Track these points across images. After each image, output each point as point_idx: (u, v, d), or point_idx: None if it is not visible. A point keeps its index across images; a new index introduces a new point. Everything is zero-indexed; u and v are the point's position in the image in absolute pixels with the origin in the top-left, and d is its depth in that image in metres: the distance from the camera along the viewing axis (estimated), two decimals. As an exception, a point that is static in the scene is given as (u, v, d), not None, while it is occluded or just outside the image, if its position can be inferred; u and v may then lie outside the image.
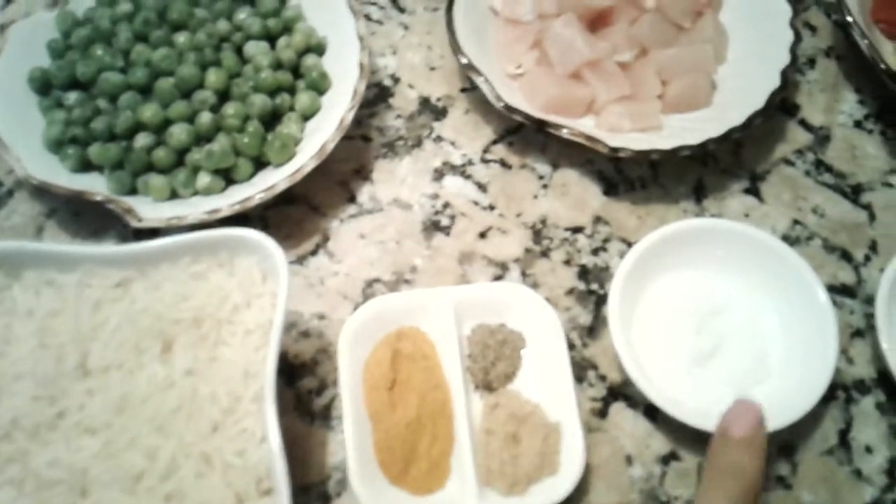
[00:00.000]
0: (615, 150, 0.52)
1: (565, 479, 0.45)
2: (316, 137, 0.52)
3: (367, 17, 0.62)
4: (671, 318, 0.50)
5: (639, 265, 0.50)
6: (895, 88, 0.55)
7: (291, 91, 0.54)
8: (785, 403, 0.47)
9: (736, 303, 0.51)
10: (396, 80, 0.60)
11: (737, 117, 0.53)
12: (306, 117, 0.54)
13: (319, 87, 0.54)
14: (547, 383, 0.48)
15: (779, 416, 0.46)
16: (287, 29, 0.56)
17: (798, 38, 0.56)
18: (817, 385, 0.47)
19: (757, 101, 0.53)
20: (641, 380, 0.47)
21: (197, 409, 0.40)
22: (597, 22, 0.58)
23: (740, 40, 0.59)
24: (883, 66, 0.54)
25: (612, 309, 0.49)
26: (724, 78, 0.58)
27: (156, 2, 0.54)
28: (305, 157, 0.50)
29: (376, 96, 0.59)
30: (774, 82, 0.54)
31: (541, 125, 0.53)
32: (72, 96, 0.52)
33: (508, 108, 0.53)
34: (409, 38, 0.62)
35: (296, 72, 0.55)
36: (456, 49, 0.55)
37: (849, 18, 0.56)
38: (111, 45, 0.53)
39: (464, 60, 0.54)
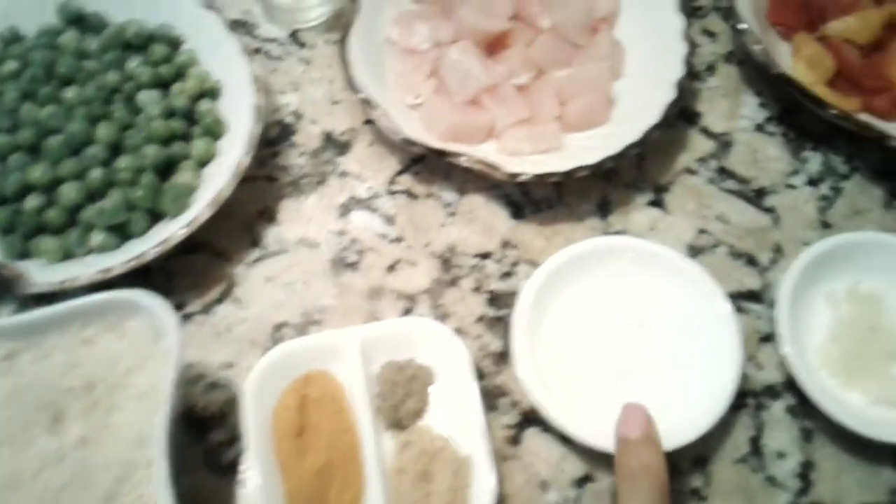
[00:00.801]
0: (514, 175, 0.52)
1: (476, 513, 0.45)
2: (212, 184, 0.51)
3: (267, 55, 0.62)
4: (581, 339, 0.51)
5: (542, 290, 0.50)
6: (791, 91, 0.56)
7: (186, 138, 0.54)
8: (693, 415, 0.47)
9: (643, 318, 0.51)
10: (299, 116, 0.60)
11: (634, 133, 0.53)
12: (203, 164, 0.53)
13: (215, 132, 0.54)
14: (457, 416, 0.48)
15: (688, 429, 0.47)
16: (180, 75, 0.56)
17: (692, 49, 0.56)
18: (723, 395, 0.48)
19: (653, 115, 0.54)
20: (547, 406, 0.47)
21: (90, 479, 0.40)
22: (494, 46, 0.58)
23: (636, 55, 0.59)
24: (776, 70, 0.55)
25: (515, 336, 0.49)
26: (622, 93, 0.58)
27: (43, 57, 0.53)
28: (201, 206, 0.50)
29: (279, 135, 0.59)
30: (670, 95, 0.54)
31: (440, 154, 0.53)
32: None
33: (406, 140, 0.53)
34: (311, 72, 0.61)
35: (190, 118, 0.54)
36: (351, 83, 0.54)
37: (740, 26, 0.57)
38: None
39: (360, 94, 0.54)
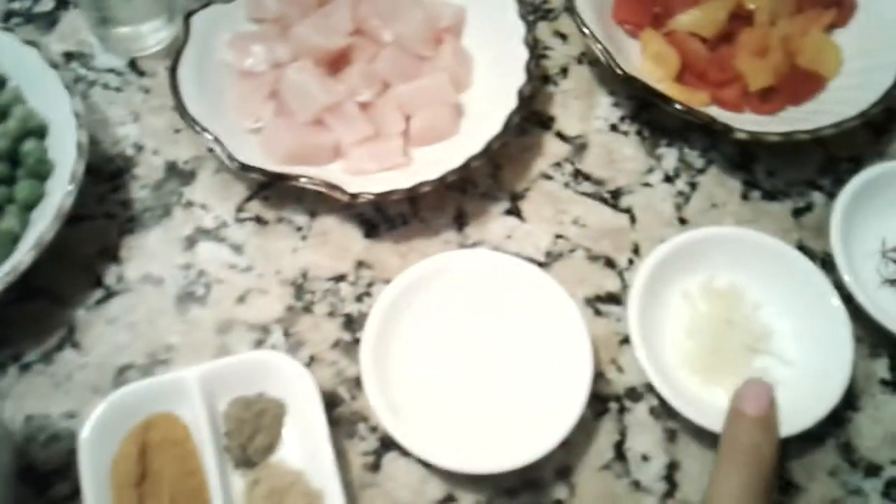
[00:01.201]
0: (354, 196, 0.51)
1: (330, 548, 0.44)
2: (38, 227, 0.48)
3: (105, 86, 0.60)
4: (433, 358, 0.49)
5: (389, 312, 0.49)
6: (638, 89, 0.56)
7: (10, 181, 0.51)
8: (551, 424, 0.46)
9: (495, 331, 0.50)
10: (140, 147, 0.57)
11: (478, 144, 0.52)
12: (29, 207, 0.50)
13: (40, 173, 0.51)
14: (309, 449, 0.46)
15: (546, 438, 0.46)
16: (3, 114, 0.53)
17: (533, 55, 0.55)
18: (577, 402, 0.47)
19: (496, 125, 0.53)
20: (396, 431, 0.45)
21: None
22: (337, 63, 0.57)
23: (483, 63, 0.58)
24: (620, 71, 0.55)
25: (363, 360, 0.47)
26: (469, 103, 0.57)
27: None
28: (23, 252, 0.47)
29: (119, 168, 0.56)
30: (512, 103, 0.54)
31: (278, 178, 0.51)
32: None
33: (243, 166, 0.51)
34: (151, 101, 0.59)
35: (14, 160, 0.52)
36: (181, 111, 0.52)
37: (584, 30, 0.56)
38: None
39: (190, 122, 0.52)
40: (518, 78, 0.55)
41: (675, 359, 0.50)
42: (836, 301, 0.49)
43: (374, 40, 0.57)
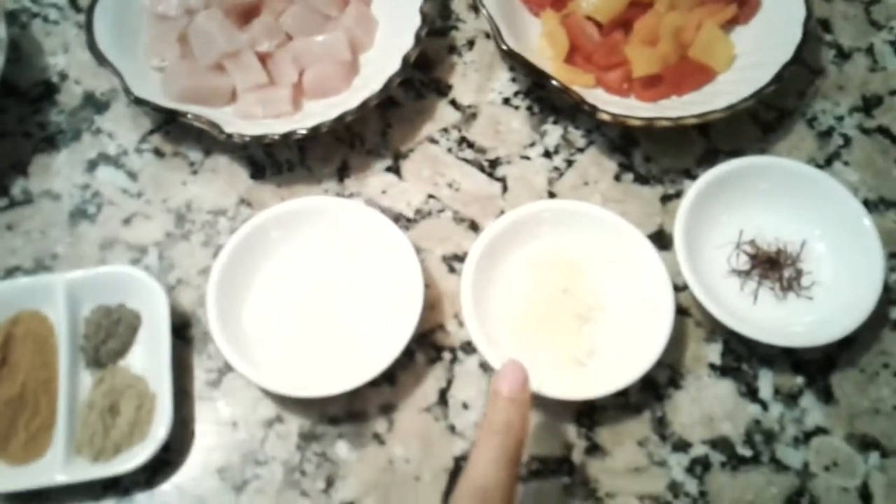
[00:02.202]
0: (229, 135, 0.55)
1: (150, 444, 0.48)
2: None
3: (45, 19, 0.65)
4: (280, 294, 0.53)
5: (242, 249, 0.53)
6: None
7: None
8: (375, 362, 0.49)
9: (341, 275, 0.54)
10: (64, 76, 0.62)
11: (362, 102, 0.56)
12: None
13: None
14: (153, 359, 0.51)
15: (369, 370, 0.49)
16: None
17: (424, 22, 0.58)
18: (400, 342, 0.50)
19: (379, 85, 0.56)
20: (231, 357, 0.49)
21: None
22: (249, 14, 0.61)
23: (385, 27, 0.61)
24: (504, 46, 0.57)
25: (210, 290, 0.51)
26: (367, 63, 0.61)
27: None
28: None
29: (42, 93, 0.62)
30: (396, 66, 0.57)
31: (166, 113, 0.56)
32: None
33: (137, 100, 0.56)
34: (83, 36, 0.63)
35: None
36: (90, 44, 0.57)
37: (483, 12, 0.59)
38: None
39: (100, 57, 0.57)
40: (406, 44, 0.58)
41: (508, 322, 0.52)
42: (665, 284, 0.51)
43: (283, -6, 0.61)
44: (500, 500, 0.38)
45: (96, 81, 0.62)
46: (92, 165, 0.59)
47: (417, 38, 0.58)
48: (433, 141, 0.61)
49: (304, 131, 0.55)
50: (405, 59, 0.57)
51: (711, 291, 0.52)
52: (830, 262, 0.54)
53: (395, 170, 0.60)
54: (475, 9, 0.66)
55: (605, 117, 0.55)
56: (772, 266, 0.54)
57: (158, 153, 0.60)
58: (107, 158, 0.59)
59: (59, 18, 0.65)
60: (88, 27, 0.58)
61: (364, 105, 0.55)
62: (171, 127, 0.60)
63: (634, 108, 0.58)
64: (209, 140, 0.60)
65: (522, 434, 0.40)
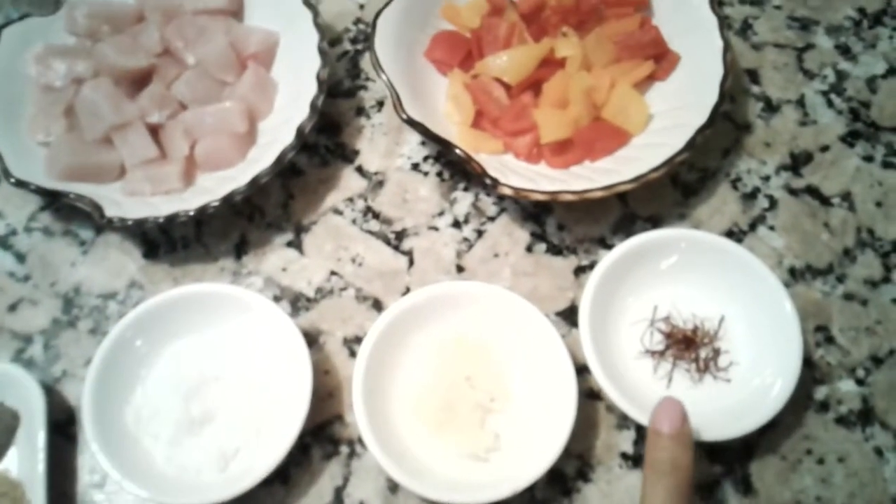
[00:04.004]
0: (109, 220, 0.52)
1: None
2: None
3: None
4: (172, 388, 0.50)
5: (125, 339, 0.50)
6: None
7: None
8: (266, 457, 0.47)
9: (230, 365, 0.51)
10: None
11: (247, 178, 0.53)
12: None
13: None
14: (30, 462, 0.48)
15: (260, 469, 0.46)
16: None
17: (320, 90, 0.55)
18: (285, 442, 0.47)
19: (271, 160, 0.53)
20: (115, 471, 0.46)
21: None
22: (142, 82, 0.58)
23: (283, 91, 0.58)
24: (403, 114, 0.54)
25: (87, 389, 0.48)
26: (264, 130, 0.58)
27: None
28: None
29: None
30: (292, 141, 0.54)
31: (47, 195, 0.53)
32: None
33: (18, 182, 0.53)
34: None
35: None
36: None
37: (376, 67, 0.56)
38: None
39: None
40: (303, 113, 0.55)
41: (404, 411, 0.50)
42: (568, 369, 0.48)
43: (179, 62, 0.58)
44: None
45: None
46: (-23, 247, 0.56)
47: (313, 107, 0.55)
48: (337, 212, 0.58)
49: (190, 213, 0.52)
50: (299, 131, 0.54)
51: (621, 375, 0.49)
52: (749, 341, 0.51)
53: (296, 244, 0.57)
54: (376, 64, 0.63)
55: (507, 192, 0.52)
56: (687, 346, 0.51)
57: (47, 232, 0.57)
58: (-8, 239, 0.57)
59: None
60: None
61: (254, 182, 0.52)
62: (61, 203, 0.57)
63: (543, 177, 0.55)
64: (98, 219, 0.57)
65: (690, 470, 0.40)
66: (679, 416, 0.41)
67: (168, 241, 0.56)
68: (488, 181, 0.52)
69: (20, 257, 0.56)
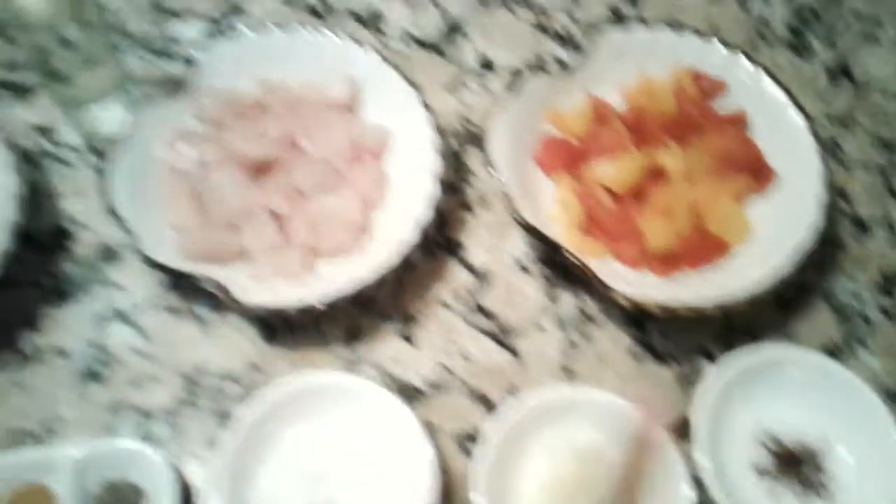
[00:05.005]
0: (252, 307, 0.54)
1: None
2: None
3: (61, 161, 0.65)
4: (292, 477, 0.52)
5: (250, 429, 0.52)
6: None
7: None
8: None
9: (347, 457, 0.53)
10: (78, 224, 0.62)
11: (372, 270, 0.55)
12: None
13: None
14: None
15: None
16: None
17: (439, 191, 0.58)
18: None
19: (395, 256, 0.56)
20: None
21: None
22: (264, 168, 0.61)
23: (398, 186, 0.61)
24: (518, 217, 0.57)
25: (215, 474, 0.50)
26: (379, 223, 0.60)
27: None
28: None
29: (54, 241, 0.61)
30: (411, 236, 0.56)
31: (179, 275, 0.56)
32: None
33: (152, 262, 0.55)
34: (98, 181, 0.63)
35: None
36: (106, 198, 0.57)
37: (492, 171, 0.59)
38: None
39: (113, 213, 0.57)
40: (422, 211, 0.58)
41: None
42: (683, 480, 0.50)
43: (299, 152, 0.61)
44: None
45: (110, 230, 0.61)
46: (104, 321, 0.59)
47: (432, 205, 0.58)
48: (446, 305, 0.60)
49: (322, 306, 0.54)
50: (420, 227, 0.57)
51: (733, 491, 0.51)
52: (855, 465, 0.53)
53: (405, 335, 0.59)
54: (491, 164, 0.66)
55: (622, 302, 0.55)
56: (793, 464, 0.53)
57: (172, 310, 0.59)
58: (119, 314, 0.59)
59: (75, 161, 0.65)
60: (105, 179, 0.57)
61: (380, 275, 0.55)
62: (184, 282, 0.60)
63: (647, 282, 0.58)
64: (217, 298, 0.59)
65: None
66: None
67: (284, 325, 0.59)
68: (600, 286, 0.55)
69: (144, 334, 0.58)
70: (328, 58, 0.65)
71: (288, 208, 0.59)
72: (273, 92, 0.64)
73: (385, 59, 0.64)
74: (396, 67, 0.64)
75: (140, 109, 0.61)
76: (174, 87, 0.64)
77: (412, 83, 0.63)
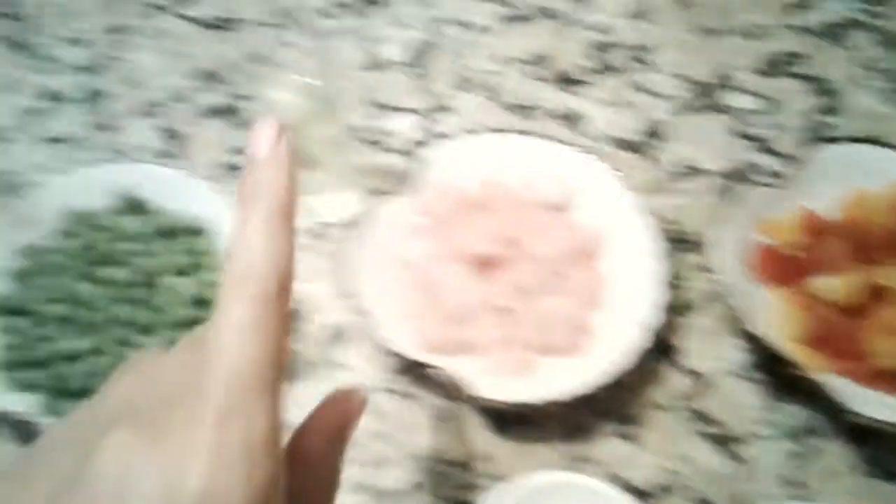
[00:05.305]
0: (487, 400, 0.57)
1: None
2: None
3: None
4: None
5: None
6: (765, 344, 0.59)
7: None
8: None
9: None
10: (310, 305, 0.66)
11: (604, 367, 0.57)
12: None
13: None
14: None
15: None
16: (208, 264, 0.63)
17: (664, 295, 0.60)
18: None
19: (623, 356, 0.58)
20: None
21: None
22: (485, 266, 0.64)
23: (619, 289, 0.63)
24: (743, 326, 0.58)
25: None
26: (600, 324, 0.62)
27: (99, 238, 0.63)
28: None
29: (293, 321, 0.65)
30: (645, 341, 0.58)
31: (421, 366, 0.58)
32: (22, 322, 0.60)
33: (395, 353, 0.58)
34: (317, 264, 0.67)
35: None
36: (346, 290, 0.61)
37: (718, 278, 0.61)
38: (60, 277, 0.61)
39: (354, 302, 0.60)
40: (648, 314, 0.59)
41: None
42: None
43: (520, 250, 0.64)
44: (272, 273, 0.30)
45: (340, 313, 0.65)
46: (336, 403, 0.62)
47: (659, 310, 0.60)
48: (665, 409, 0.61)
49: (564, 400, 0.56)
50: (651, 331, 0.59)
51: None
52: None
53: (628, 437, 0.60)
54: (700, 268, 0.68)
55: (852, 418, 0.55)
56: None
57: (405, 395, 0.62)
58: (350, 397, 0.62)
59: (307, 244, 0.69)
60: (339, 264, 0.62)
61: (614, 379, 0.57)
62: (416, 368, 0.63)
63: (877, 400, 0.58)
64: (444, 385, 0.61)
65: (288, 193, 0.32)
66: (273, 134, 0.32)
67: (512, 417, 0.61)
68: (830, 402, 0.56)
69: (381, 416, 0.61)
70: (541, 158, 0.69)
71: (512, 305, 0.62)
72: (492, 190, 0.67)
73: (598, 160, 0.68)
74: (610, 169, 0.67)
75: (370, 200, 0.66)
76: (399, 180, 0.68)
77: (626, 185, 0.66)
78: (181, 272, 0.62)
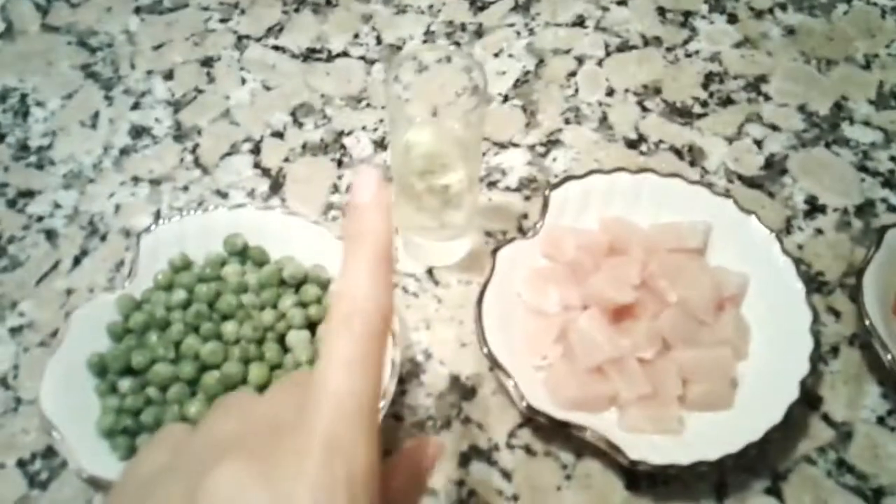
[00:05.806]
0: (634, 462, 0.54)
1: None
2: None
3: (404, 290, 0.66)
4: None
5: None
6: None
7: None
8: None
9: None
10: (429, 355, 0.63)
11: (755, 429, 0.54)
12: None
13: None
14: None
15: None
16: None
17: (818, 344, 0.57)
18: None
19: (775, 412, 0.55)
20: None
21: None
22: (621, 314, 0.61)
23: (761, 338, 0.60)
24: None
25: None
26: (745, 375, 0.59)
27: (208, 290, 0.59)
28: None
29: (409, 372, 0.62)
30: (793, 393, 0.55)
31: (562, 426, 0.55)
32: (126, 383, 0.56)
33: (531, 408, 0.55)
34: (442, 311, 0.65)
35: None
36: (484, 344, 0.57)
37: (867, 323, 0.58)
38: (165, 332, 0.58)
39: (492, 358, 0.57)
40: (800, 365, 0.56)
41: None
42: None
43: (658, 298, 0.61)
44: (375, 312, 0.31)
45: (460, 364, 0.62)
46: (465, 459, 0.59)
47: (812, 362, 0.57)
48: (810, 461, 0.58)
49: (707, 463, 0.53)
50: (803, 386, 0.56)
51: None
52: None
53: (775, 492, 0.57)
54: (834, 312, 0.65)
55: None
56: None
57: (529, 451, 0.59)
58: (479, 452, 0.59)
59: (417, 290, 0.66)
60: (479, 325, 0.58)
61: (767, 437, 0.54)
62: (539, 422, 0.60)
63: None
64: (579, 442, 0.58)
65: (388, 240, 0.33)
66: (374, 181, 0.35)
67: (649, 475, 0.58)
68: None
69: (506, 475, 0.58)
70: (666, 196, 0.66)
71: (654, 356, 0.59)
72: (620, 231, 0.64)
73: (737, 202, 0.64)
74: (741, 207, 0.64)
75: (498, 252, 0.62)
76: (518, 221, 0.65)
77: (767, 226, 0.63)
78: (303, 326, 0.59)
